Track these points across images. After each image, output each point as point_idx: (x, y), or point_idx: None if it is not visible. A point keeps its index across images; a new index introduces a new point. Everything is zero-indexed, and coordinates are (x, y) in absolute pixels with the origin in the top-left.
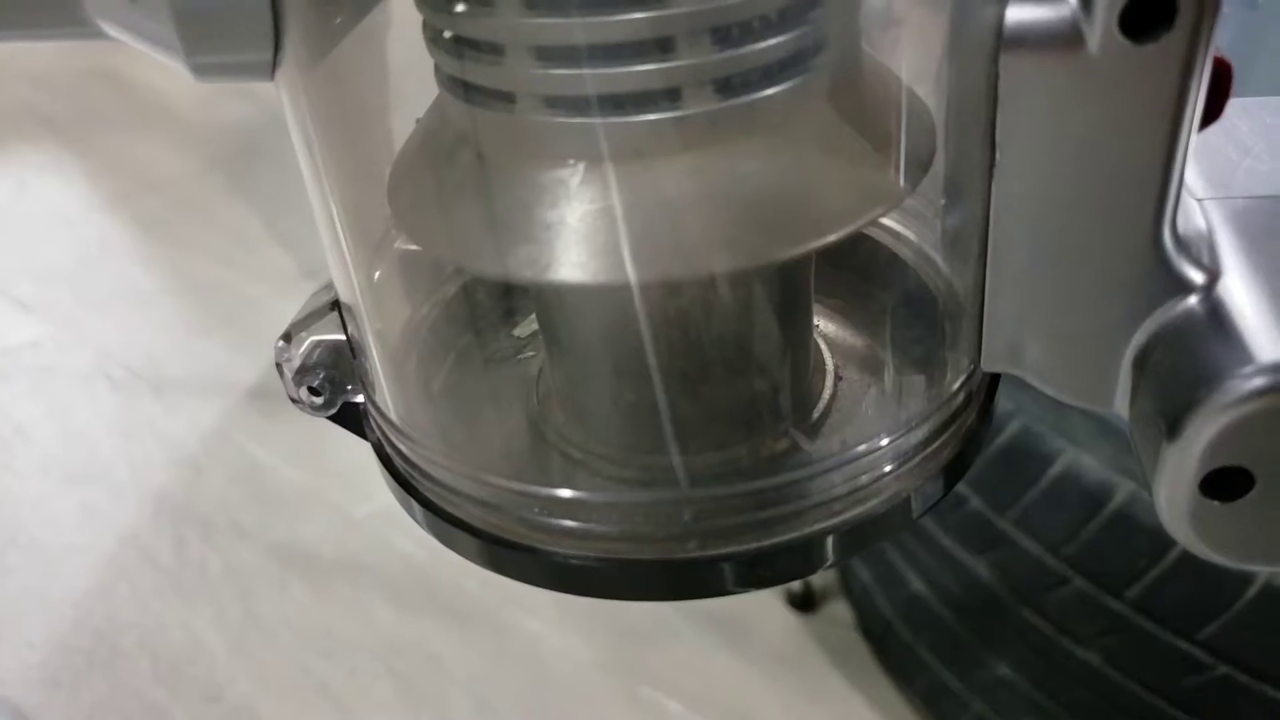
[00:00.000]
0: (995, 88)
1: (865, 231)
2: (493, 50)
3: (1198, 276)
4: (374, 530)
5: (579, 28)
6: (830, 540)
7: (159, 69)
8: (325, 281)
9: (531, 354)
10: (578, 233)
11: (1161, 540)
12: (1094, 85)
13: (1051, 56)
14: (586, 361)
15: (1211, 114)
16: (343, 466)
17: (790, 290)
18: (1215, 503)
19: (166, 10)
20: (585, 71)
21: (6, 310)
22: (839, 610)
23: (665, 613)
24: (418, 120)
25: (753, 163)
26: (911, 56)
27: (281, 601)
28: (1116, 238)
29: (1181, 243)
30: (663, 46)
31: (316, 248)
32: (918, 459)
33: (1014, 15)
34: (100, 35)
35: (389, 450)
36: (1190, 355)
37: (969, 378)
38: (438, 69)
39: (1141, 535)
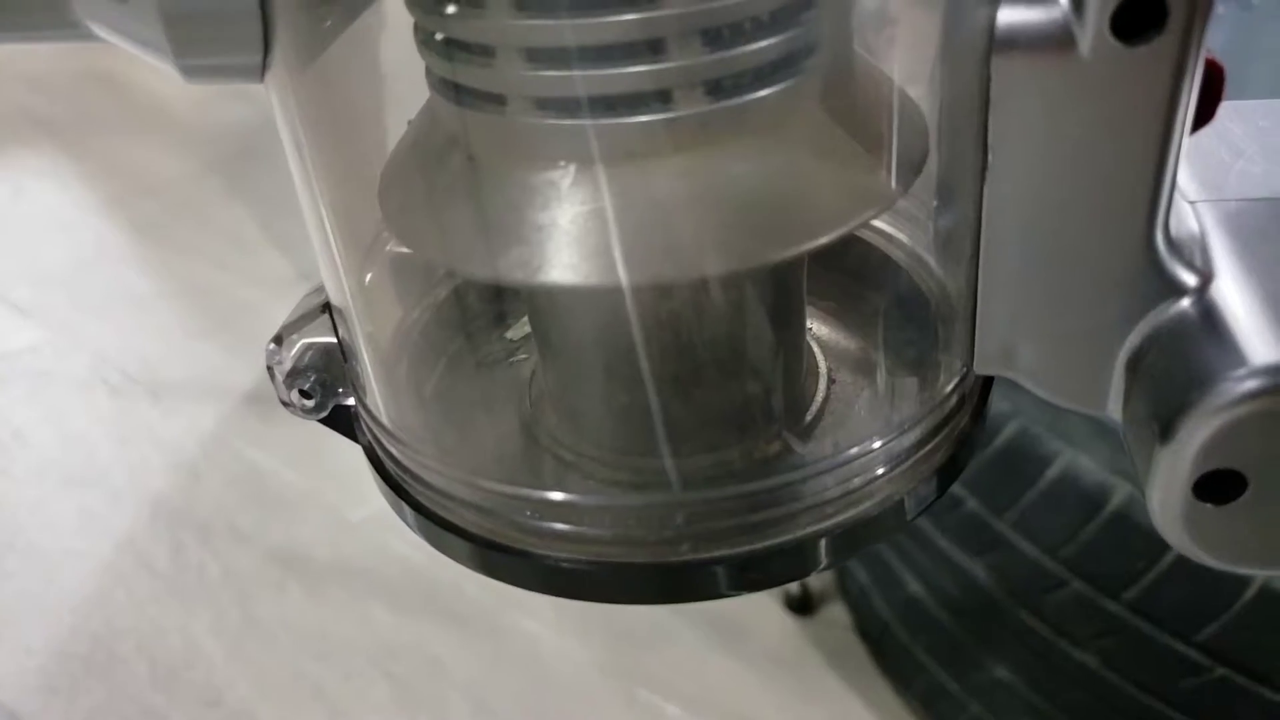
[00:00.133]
0: (987, 90)
1: (857, 234)
2: (484, 52)
3: (1190, 279)
4: (371, 533)
5: (570, 29)
6: (823, 543)
7: (155, 71)
8: (317, 284)
9: (524, 357)
10: (569, 234)
11: (1159, 542)
12: (1086, 87)
13: (1043, 59)
14: (579, 364)
15: (1204, 116)
16: (340, 470)
17: (783, 292)
18: (1208, 505)
19: (155, 12)
20: (576, 73)
21: (3, 315)
22: (836, 612)
23: (663, 615)
24: (409, 123)
25: (744, 164)
26: (904, 58)
27: (279, 605)
28: (1109, 240)
29: (1174, 245)
30: (654, 48)
31: (313, 251)
32: (911, 461)
33: (1005, 17)
34: (90, 37)
35: (380, 454)
36: (1183, 358)
37: (962, 380)
38: (428, 71)
39: (1139, 537)
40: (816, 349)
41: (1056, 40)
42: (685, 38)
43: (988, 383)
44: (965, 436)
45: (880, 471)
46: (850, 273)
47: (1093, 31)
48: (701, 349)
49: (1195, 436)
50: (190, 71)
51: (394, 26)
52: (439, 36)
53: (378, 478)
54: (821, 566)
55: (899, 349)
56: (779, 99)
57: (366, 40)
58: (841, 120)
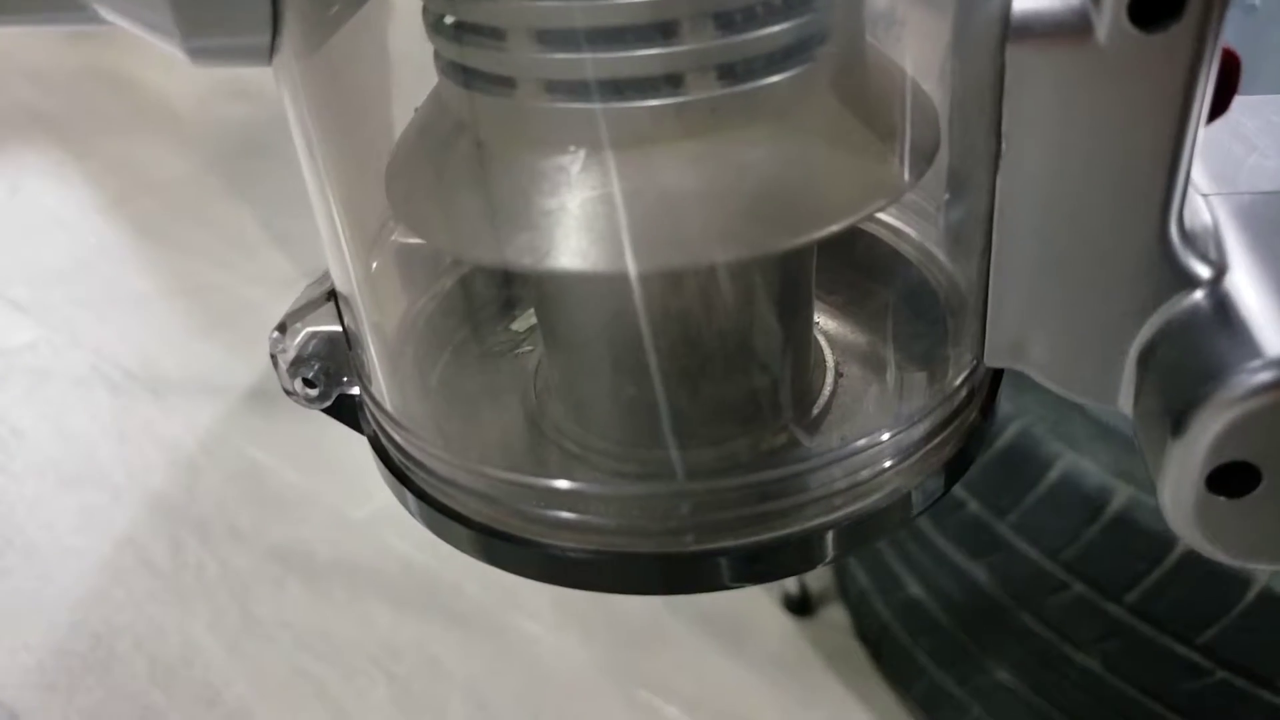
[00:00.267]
0: (1001, 78)
1: (866, 227)
2: (493, 35)
3: (1204, 271)
4: (372, 532)
5: (581, 11)
6: (829, 535)
7: (157, 68)
8: (321, 272)
9: (529, 348)
10: (578, 220)
11: (1161, 544)
12: (1102, 75)
13: (1059, 46)
14: (585, 355)
15: (1219, 106)
16: (340, 469)
17: (791, 282)
18: (1221, 499)
19: None
20: (587, 56)
21: (3, 313)
22: (836, 614)
23: (663, 616)
24: (416, 109)
25: (754, 151)
26: (916, 46)
27: (279, 604)
28: (1123, 231)
29: (1188, 237)
30: (665, 31)
31: (315, 249)
32: (919, 455)
33: (1021, 4)
34: (96, 20)
35: (385, 442)
36: (1196, 350)
37: (971, 373)
38: (437, 55)
39: (1141, 539)
40: (824, 343)
41: (1073, 27)
42: (698, 21)
43: (997, 376)
44: (974, 430)
45: (888, 464)
46: (858, 267)
47: (1110, 18)
48: (709, 340)
49: (1209, 429)
50: (197, 54)
51: (403, 9)
52: (448, 19)
53: (381, 466)
54: (828, 559)
55: (907, 343)
56: (790, 85)
57: (375, 24)
58: (853, 108)
